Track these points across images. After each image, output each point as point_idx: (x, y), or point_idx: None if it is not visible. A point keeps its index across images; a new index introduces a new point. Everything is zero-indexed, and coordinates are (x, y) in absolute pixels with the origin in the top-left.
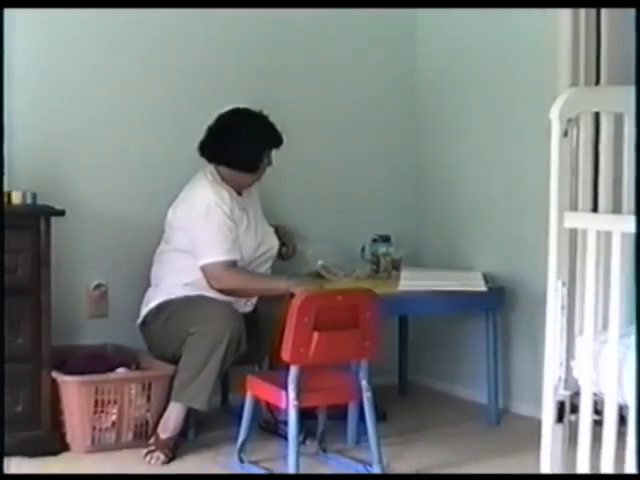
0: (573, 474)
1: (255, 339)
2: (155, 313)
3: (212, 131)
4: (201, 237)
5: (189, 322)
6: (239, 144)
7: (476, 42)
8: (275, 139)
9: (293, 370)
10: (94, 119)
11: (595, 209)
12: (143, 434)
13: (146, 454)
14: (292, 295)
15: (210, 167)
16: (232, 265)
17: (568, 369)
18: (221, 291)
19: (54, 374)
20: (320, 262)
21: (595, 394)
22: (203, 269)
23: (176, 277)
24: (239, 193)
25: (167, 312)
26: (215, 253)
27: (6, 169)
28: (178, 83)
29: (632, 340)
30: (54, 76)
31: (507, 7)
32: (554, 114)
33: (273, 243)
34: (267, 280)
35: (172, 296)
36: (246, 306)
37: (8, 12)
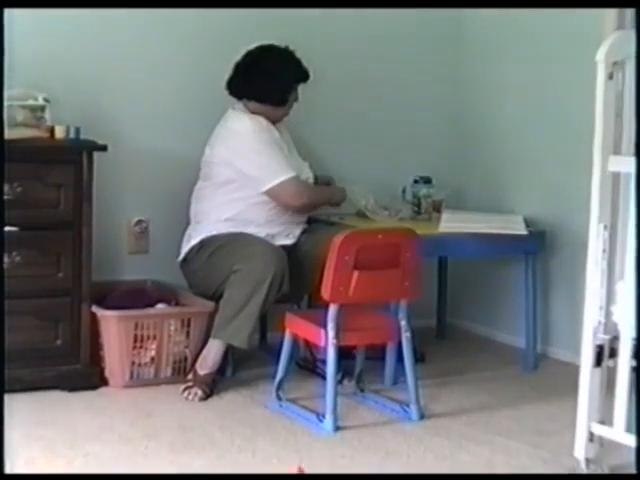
0: (573, 474)
1: (295, 277)
2: (198, 249)
3: (240, 67)
4: (260, 162)
5: (233, 259)
6: (268, 77)
7: None
8: (302, 72)
9: (332, 309)
10: (134, 56)
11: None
12: (182, 370)
13: (184, 390)
14: None
15: (239, 104)
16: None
17: (608, 313)
18: (302, 208)
19: (94, 309)
20: (364, 201)
21: (634, 339)
22: (275, 191)
23: (218, 213)
24: None
25: (211, 248)
26: (284, 171)
27: (49, 104)
28: (210, 22)
29: None
30: (94, 12)
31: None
32: (600, 57)
33: (309, 174)
34: (328, 190)
35: (215, 232)
36: (288, 238)
37: None
